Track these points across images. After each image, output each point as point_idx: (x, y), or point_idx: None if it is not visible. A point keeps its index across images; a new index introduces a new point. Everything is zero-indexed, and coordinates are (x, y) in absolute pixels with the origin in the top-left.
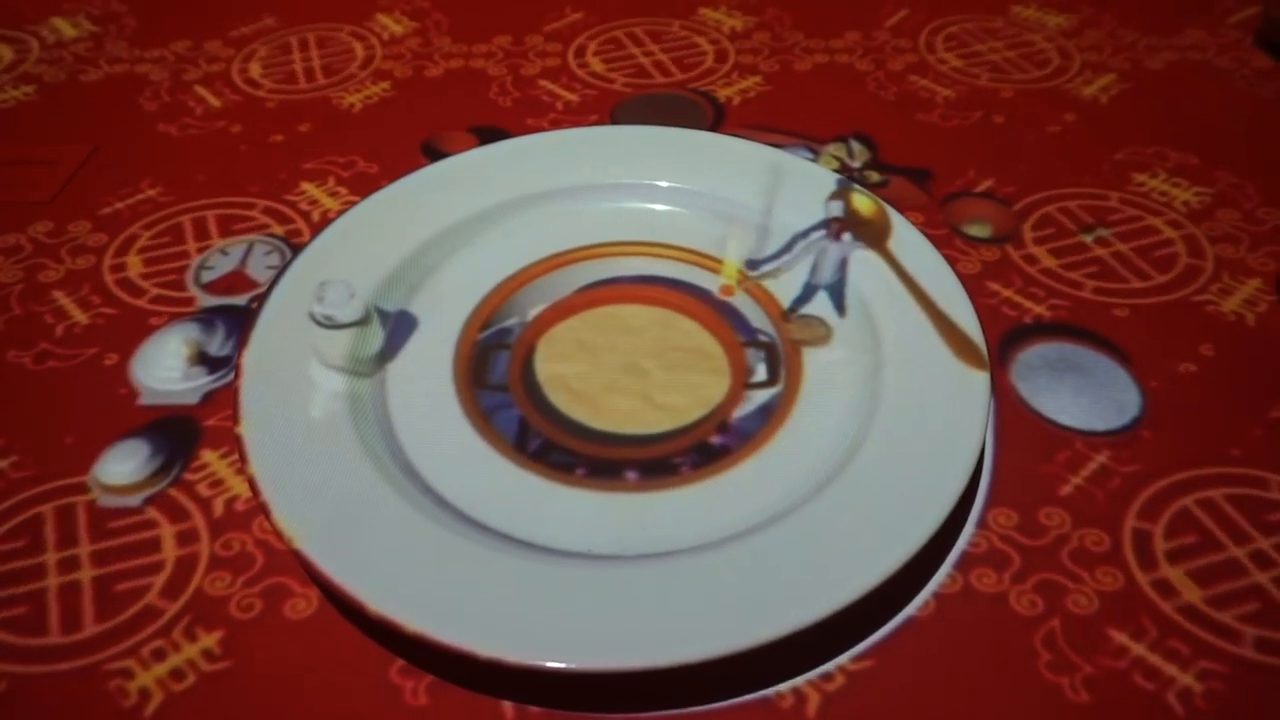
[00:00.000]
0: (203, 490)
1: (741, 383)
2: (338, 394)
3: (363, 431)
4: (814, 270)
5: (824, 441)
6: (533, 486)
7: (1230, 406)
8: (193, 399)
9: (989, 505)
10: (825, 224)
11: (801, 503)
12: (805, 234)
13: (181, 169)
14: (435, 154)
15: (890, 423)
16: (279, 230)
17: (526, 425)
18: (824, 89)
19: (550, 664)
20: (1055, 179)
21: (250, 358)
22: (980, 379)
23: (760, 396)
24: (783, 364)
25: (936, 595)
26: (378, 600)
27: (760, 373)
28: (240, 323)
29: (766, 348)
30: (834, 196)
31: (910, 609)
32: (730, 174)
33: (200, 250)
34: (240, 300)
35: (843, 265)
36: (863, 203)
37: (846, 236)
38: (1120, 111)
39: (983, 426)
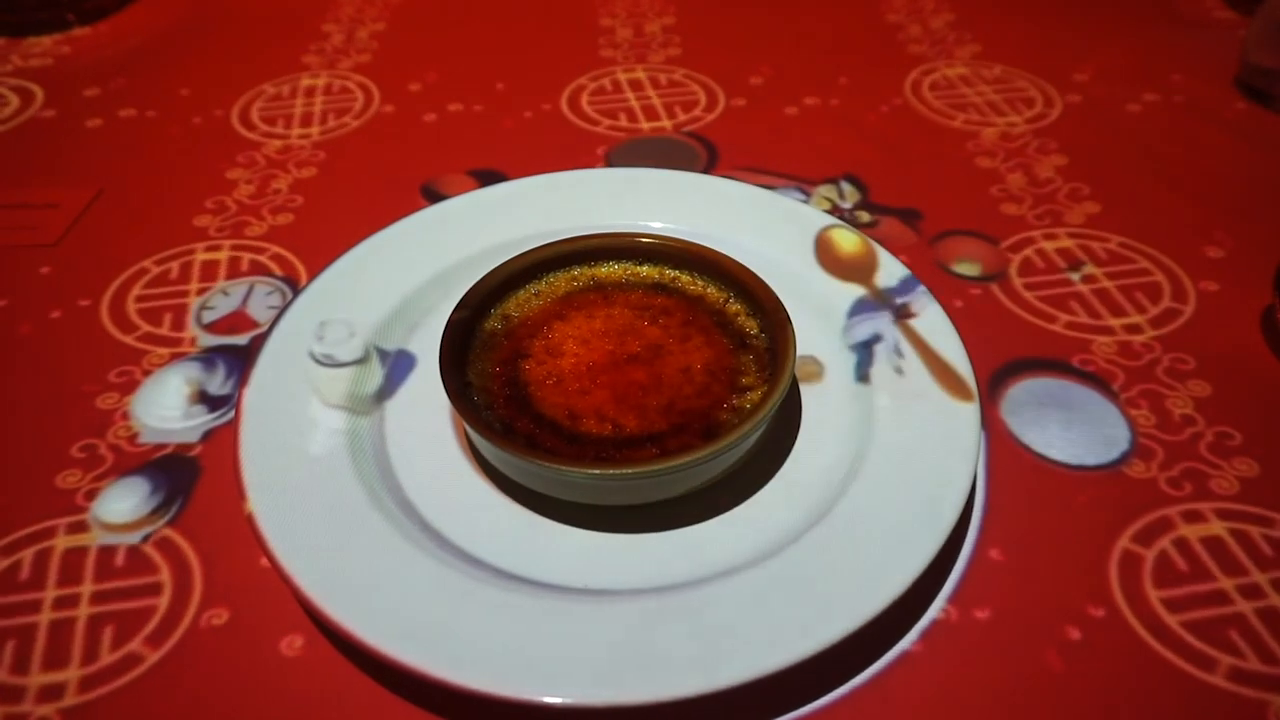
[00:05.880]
0: (201, 527)
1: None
2: (337, 431)
3: (361, 468)
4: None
5: (817, 476)
6: (529, 523)
7: (1219, 441)
8: (193, 437)
9: (981, 538)
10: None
11: (795, 538)
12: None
13: (184, 211)
14: (434, 196)
15: (882, 456)
16: (280, 271)
17: None
18: (815, 132)
19: (547, 699)
20: (1042, 218)
21: (250, 396)
22: (969, 411)
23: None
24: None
25: (930, 628)
26: (374, 636)
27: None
28: (241, 362)
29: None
30: (901, 315)
31: (904, 643)
32: (722, 215)
33: (202, 291)
34: (241, 340)
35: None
36: (850, 240)
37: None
38: (1105, 152)
39: (973, 457)
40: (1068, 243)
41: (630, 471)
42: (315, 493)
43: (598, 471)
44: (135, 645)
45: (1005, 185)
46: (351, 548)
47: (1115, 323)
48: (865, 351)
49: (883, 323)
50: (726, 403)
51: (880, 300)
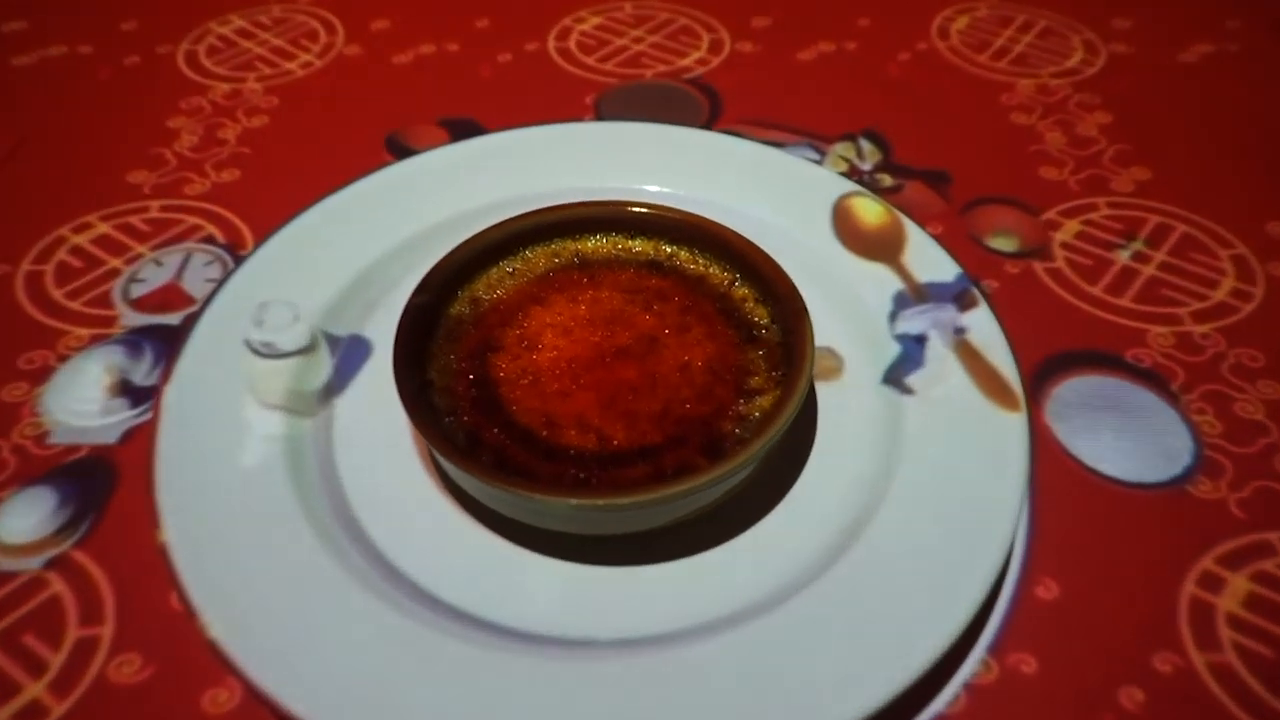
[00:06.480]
0: (114, 551)
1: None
2: (274, 437)
3: (301, 484)
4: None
5: (835, 497)
6: (498, 553)
7: None
8: (111, 437)
9: (1026, 573)
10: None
11: (808, 580)
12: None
13: (117, 165)
14: (401, 149)
15: (912, 476)
16: (222, 237)
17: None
18: (831, 81)
19: None
20: (1088, 185)
21: (172, 395)
22: (1016, 422)
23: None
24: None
25: (968, 687)
26: (308, 703)
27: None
28: (169, 346)
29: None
30: (964, 306)
31: (937, 704)
32: (726, 179)
33: (131, 260)
34: (173, 319)
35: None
36: (873, 211)
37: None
38: (1154, 109)
39: (1022, 481)
40: (1115, 214)
41: (616, 503)
42: (245, 515)
43: (576, 502)
44: (30, 699)
45: (1044, 146)
46: (285, 587)
47: (1172, 311)
48: (916, 347)
49: (944, 315)
50: (732, 409)
51: (919, 292)
